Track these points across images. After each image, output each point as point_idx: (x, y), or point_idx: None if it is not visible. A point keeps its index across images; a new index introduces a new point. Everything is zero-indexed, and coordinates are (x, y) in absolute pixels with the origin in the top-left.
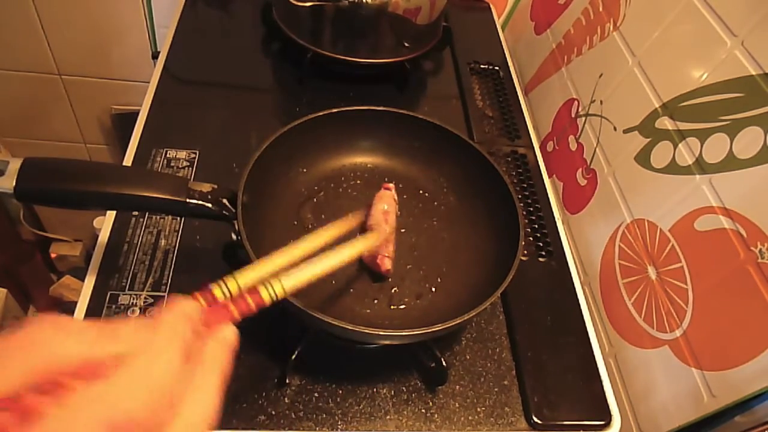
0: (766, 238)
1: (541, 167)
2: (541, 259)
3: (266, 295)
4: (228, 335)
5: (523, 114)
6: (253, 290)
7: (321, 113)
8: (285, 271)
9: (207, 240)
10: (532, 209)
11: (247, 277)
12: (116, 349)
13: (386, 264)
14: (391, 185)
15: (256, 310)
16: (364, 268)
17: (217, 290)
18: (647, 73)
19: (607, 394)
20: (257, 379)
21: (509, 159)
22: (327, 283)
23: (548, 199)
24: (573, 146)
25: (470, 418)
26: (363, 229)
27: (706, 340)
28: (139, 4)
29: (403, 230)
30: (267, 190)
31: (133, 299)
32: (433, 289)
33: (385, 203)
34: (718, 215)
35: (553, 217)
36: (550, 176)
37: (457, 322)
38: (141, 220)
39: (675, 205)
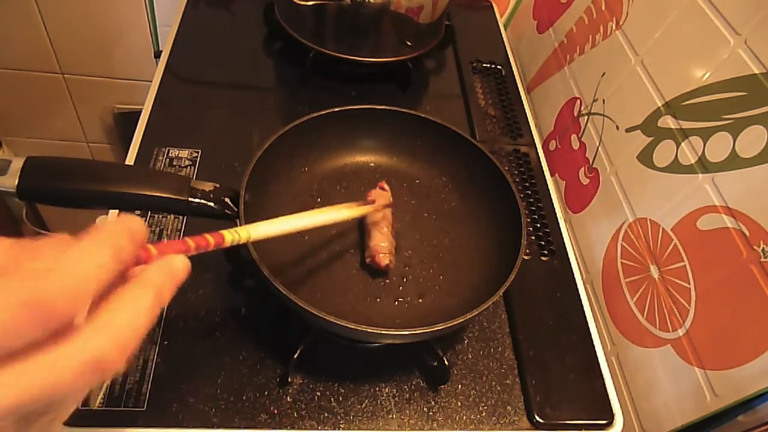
0: None
1: (543, 166)
2: (543, 258)
3: (229, 237)
4: (175, 262)
5: (525, 113)
6: (216, 233)
7: (323, 112)
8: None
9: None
10: (534, 208)
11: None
12: (39, 262)
13: (384, 259)
14: (387, 186)
15: (215, 248)
16: (366, 267)
17: (189, 239)
18: (650, 71)
19: (609, 393)
20: (259, 378)
21: (511, 158)
22: (329, 282)
23: (550, 198)
24: (575, 145)
25: (472, 417)
26: (361, 225)
27: (709, 340)
28: (142, 4)
29: (405, 229)
30: (269, 189)
31: None
32: (436, 288)
33: (381, 202)
34: (721, 214)
35: (556, 216)
36: (552, 175)
37: (460, 321)
38: (143, 219)
39: (677, 204)
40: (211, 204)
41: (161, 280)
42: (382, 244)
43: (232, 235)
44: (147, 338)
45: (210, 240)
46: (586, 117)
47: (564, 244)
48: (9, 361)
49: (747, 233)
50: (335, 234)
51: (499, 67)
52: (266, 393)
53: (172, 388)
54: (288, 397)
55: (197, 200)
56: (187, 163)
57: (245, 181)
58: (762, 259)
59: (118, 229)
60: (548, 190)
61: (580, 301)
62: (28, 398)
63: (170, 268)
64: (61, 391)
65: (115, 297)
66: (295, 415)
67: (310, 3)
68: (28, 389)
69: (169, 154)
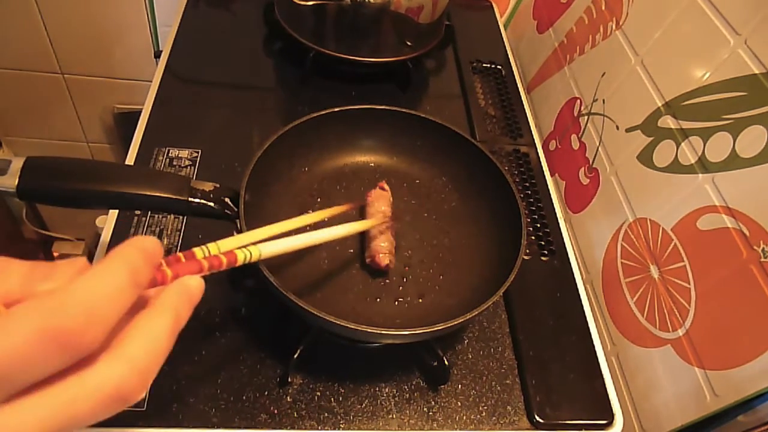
0: None
1: (543, 166)
2: (543, 258)
3: (241, 256)
4: (191, 283)
5: (525, 113)
6: (229, 252)
7: (323, 112)
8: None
9: (209, 239)
10: (534, 208)
11: (229, 244)
12: (54, 283)
13: (384, 260)
14: (387, 186)
15: (227, 267)
16: (366, 267)
17: (198, 251)
18: (650, 71)
19: (609, 393)
20: (259, 378)
21: (511, 158)
22: (329, 282)
23: (550, 198)
24: (575, 145)
25: (472, 417)
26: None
27: (709, 340)
28: (142, 4)
29: (405, 229)
30: (269, 189)
31: None
32: (436, 288)
33: (382, 203)
34: (721, 214)
35: (556, 216)
36: (552, 175)
37: (460, 321)
38: (143, 219)
39: (677, 204)
40: (211, 204)
41: (178, 303)
42: (382, 244)
43: (244, 254)
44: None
45: (223, 259)
46: (586, 117)
47: (564, 244)
48: (27, 394)
49: (747, 233)
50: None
51: (499, 67)
52: (266, 393)
53: (172, 388)
54: (288, 397)
55: (197, 200)
56: (187, 163)
57: (245, 181)
58: (762, 259)
59: (133, 252)
60: (548, 190)
61: (580, 301)
62: (46, 431)
63: (187, 290)
64: (80, 422)
65: (133, 323)
66: (295, 415)
67: (310, 3)
68: (48, 423)
69: (169, 154)
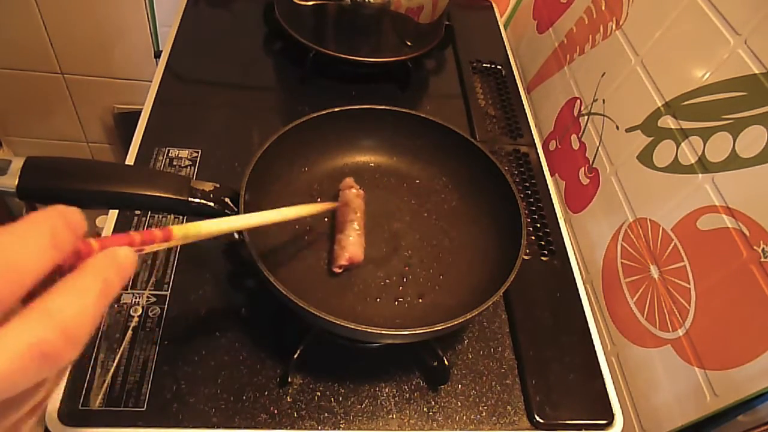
0: None
1: (543, 166)
2: (543, 258)
3: (179, 233)
4: (119, 252)
5: (525, 113)
6: (165, 228)
7: (323, 112)
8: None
9: (209, 239)
10: (534, 208)
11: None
12: None
13: (340, 260)
14: (353, 183)
15: (162, 241)
16: (366, 267)
17: (134, 233)
18: (650, 71)
19: (609, 393)
20: (259, 378)
21: (511, 158)
22: (329, 282)
23: (550, 198)
24: (575, 145)
25: (472, 417)
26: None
27: (709, 340)
28: (142, 4)
29: (405, 229)
30: (269, 189)
31: (136, 298)
32: (436, 288)
33: (353, 205)
34: (721, 214)
35: (556, 216)
36: (552, 175)
37: (460, 321)
38: (143, 219)
39: (677, 204)
40: (211, 204)
41: (105, 268)
42: (336, 246)
43: (182, 231)
44: (147, 338)
45: (157, 234)
46: (586, 117)
47: (564, 244)
48: None
49: (747, 233)
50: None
51: (499, 67)
52: (266, 393)
53: (172, 388)
54: (288, 397)
55: (197, 200)
56: (187, 163)
57: (245, 181)
58: (762, 259)
59: (54, 215)
60: (548, 190)
61: (580, 301)
62: None
63: (114, 257)
64: (6, 382)
65: (57, 284)
66: (295, 415)
67: (310, 3)
68: None
69: (169, 154)
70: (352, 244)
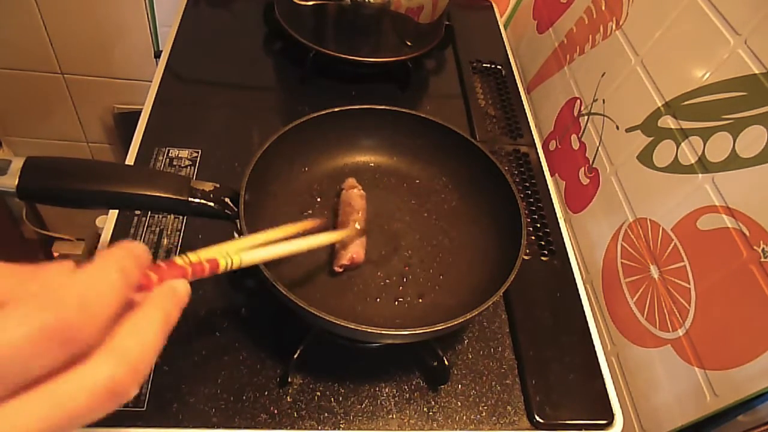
0: None
1: (543, 166)
2: (543, 258)
3: (223, 263)
4: (177, 285)
5: (525, 113)
6: (211, 259)
7: (323, 112)
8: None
9: (209, 239)
10: (534, 208)
11: (208, 253)
12: (42, 283)
13: (340, 260)
14: (356, 184)
15: (209, 273)
16: (366, 267)
17: (177, 259)
18: (650, 71)
19: (609, 393)
20: (259, 378)
21: (511, 158)
22: (329, 282)
23: (550, 198)
24: (575, 145)
25: (472, 417)
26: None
27: (709, 340)
28: (142, 4)
29: (405, 229)
30: (269, 189)
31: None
32: (436, 288)
33: (355, 205)
34: (721, 214)
35: (556, 216)
36: (552, 175)
37: (460, 321)
38: (143, 219)
39: (677, 204)
40: (211, 204)
41: (166, 303)
42: (341, 246)
43: (225, 261)
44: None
45: (206, 265)
46: (586, 117)
47: (564, 244)
48: (23, 392)
49: (747, 233)
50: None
51: (499, 67)
52: (266, 393)
53: (172, 388)
54: (288, 397)
55: (197, 200)
56: (187, 163)
57: (245, 181)
58: (762, 259)
59: (123, 253)
60: (548, 190)
61: (580, 301)
62: (45, 428)
63: (174, 291)
64: (77, 419)
65: (124, 322)
66: (295, 415)
67: (310, 3)
68: (44, 421)
69: (169, 154)
70: (354, 244)
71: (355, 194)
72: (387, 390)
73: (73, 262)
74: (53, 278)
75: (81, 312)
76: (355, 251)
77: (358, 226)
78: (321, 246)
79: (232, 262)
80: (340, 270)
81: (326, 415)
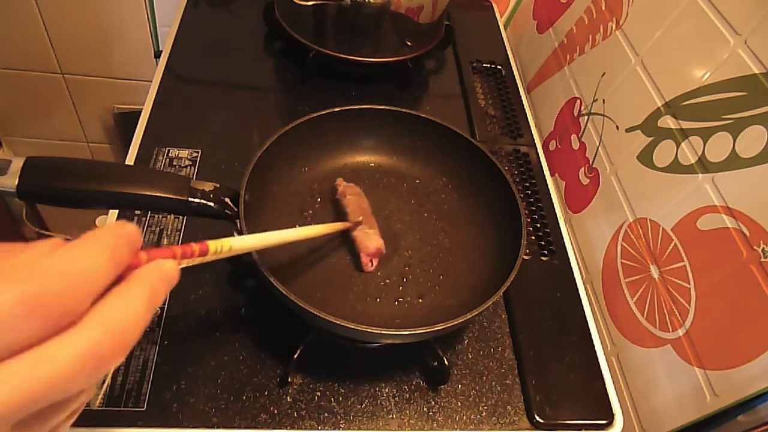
0: None
1: (543, 166)
2: (543, 258)
3: (213, 247)
4: (166, 264)
5: (525, 113)
6: (201, 242)
7: (323, 112)
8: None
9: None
10: (534, 208)
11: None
12: (29, 257)
13: (369, 266)
14: (346, 184)
15: (199, 256)
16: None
17: (176, 247)
18: (650, 71)
19: (609, 393)
20: (259, 378)
21: (511, 158)
22: (329, 282)
23: (550, 198)
24: (575, 145)
25: (472, 417)
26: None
27: (709, 340)
28: (141, 3)
29: (405, 229)
30: (269, 189)
31: None
32: (436, 288)
33: (357, 201)
34: (721, 214)
35: (556, 216)
36: (552, 175)
37: (460, 321)
38: (143, 219)
39: (677, 204)
40: (211, 204)
41: (154, 279)
42: (368, 245)
43: (215, 246)
44: (147, 338)
45: (195, 248)
46: (586, 117)
47: (564, 244)
48: (6, 360)
49: (747, 233)
50: (336, 235)
51: (499, 67)
52: (266, 393)
53: (172, 388)
54: (288, 397)
55: (197, 200)
56: (187, 163)
57: (245, 181)
58: (762, 259)
59: (115, 233)
60: (548, 190)
61: (580, 301)
62: (29, 394)
63: (161, 268)
64: (62, 385)
65: (110, 293)
66: (295, 415)
67: (310, 3)
68: (27, 386)
69: (169, 154)
70: (368, 236)
71: (352, 196)
72: (387, 390)
73: (62, 238)
74: (40, 252)
75: (63, 283)
76: (378, 242)
77: (354, 219)
78: (313, 236)
79: (222, 247)
80: (372, 267)
81: (326, 415)
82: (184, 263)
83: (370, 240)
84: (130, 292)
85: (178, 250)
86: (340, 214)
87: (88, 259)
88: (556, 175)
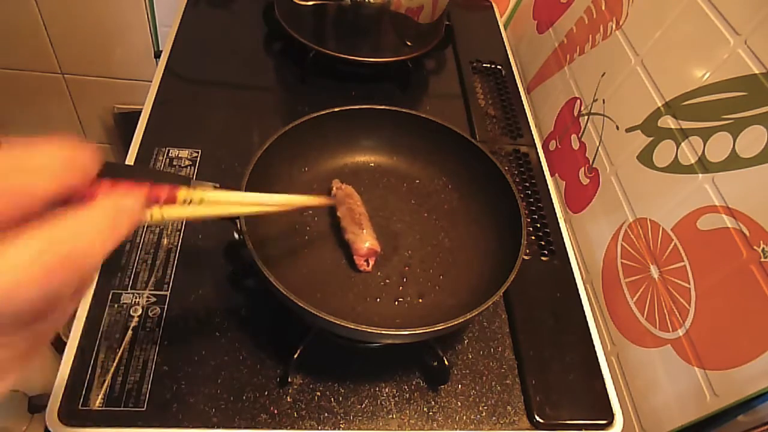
0: None
1: (543, 166)
2: (543, 258)
3: (182, 194)
4: (128, 199)
5: (525, 113)
6: (172, 187)
7: (323, 112)
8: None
9: (209, 239)
10: (534, 208)
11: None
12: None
13: (365, 266)
14: (339, 184)
15: (165, 198)
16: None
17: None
18: (650, 71)
19: (609, 393)
20: (259, 378)
21: (511, 158)
22: (329, 282)
23: (550, 198)
24: (575, 145)
25: (472, 417)
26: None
27: (709, 340)
28: (142, 3)
29: (405, 229)
30: (269, 189)
31: (136, 298)
32: (436, 288)
33: (354, 205)
34: (721, 214)
35: (556, 216)
36: (552, 175)
37: (460, 321)
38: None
39: (677, 204)
40: None
41: (115, 210)
42: (364, 244)
43: (186, 193)
44: (147, 338)
45: (164, 191)
46: (586, 117)
47: (564, 244)
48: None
49: (747, 233)
50: (335, 234)
51: (499, 67)
52: (266, 393)
53: (172, 388)
54: (288, 397)
55: None
56: (187, 163)
57: (245, 181)
58: (762, 259)
59: (71, 141)
60: (548, 190)
61: (580, 301)
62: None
63: (122, 200)
64: (18, 293)
65: (68, 210)
66: (295, 415)
67: (310, 3)
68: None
69: (169, 154)
70: (362, 236)
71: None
72: (387, 390)
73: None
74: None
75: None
76: (366, 242)
77: (344, 222)
78: (291, 207)
79: (192, 197)
80: (368, 267)
81: (326, 415)
82: (155, 212)
83: (361, 241)
84: (94, 214)
85: (146, 189)
86: (336, 215)
87: (34, 160)
88: (556, 175)
